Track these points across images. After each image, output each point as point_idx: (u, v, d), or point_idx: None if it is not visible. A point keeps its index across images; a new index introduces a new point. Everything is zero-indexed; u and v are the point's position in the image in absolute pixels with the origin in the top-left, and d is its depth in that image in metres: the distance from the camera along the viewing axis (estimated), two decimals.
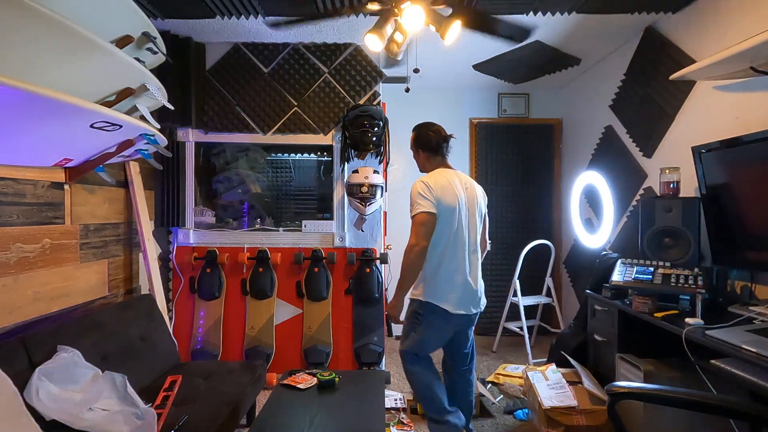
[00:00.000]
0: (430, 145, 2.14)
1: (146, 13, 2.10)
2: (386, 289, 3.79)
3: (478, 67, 3.61)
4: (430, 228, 1.90)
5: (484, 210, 2.17)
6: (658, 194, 2.51)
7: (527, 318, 3.60)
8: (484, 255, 2.22)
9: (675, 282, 2.05)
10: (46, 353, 1.69)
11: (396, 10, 1.99)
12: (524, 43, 3.07)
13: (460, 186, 2.05)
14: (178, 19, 2.71)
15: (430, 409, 2.04)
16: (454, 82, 4.08)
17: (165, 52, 2.14)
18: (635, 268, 2.24)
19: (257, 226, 3.17)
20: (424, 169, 2.20)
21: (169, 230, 3.10)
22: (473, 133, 4.30)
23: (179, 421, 1.73)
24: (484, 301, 2.11)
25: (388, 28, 2.12)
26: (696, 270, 2.03)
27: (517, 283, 3.65)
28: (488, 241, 2.23)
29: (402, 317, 2.02)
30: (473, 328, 2.19)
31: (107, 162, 2.17)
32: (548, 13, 2.59)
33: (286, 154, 3.48)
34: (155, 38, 2.01)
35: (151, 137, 2.09)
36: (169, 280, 3.10)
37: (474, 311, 2.04)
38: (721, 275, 2.13)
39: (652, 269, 2.18)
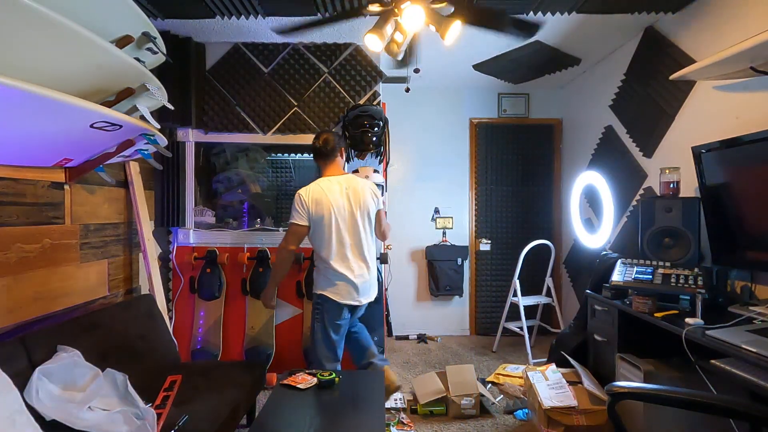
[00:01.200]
0: (315, 152, 2.40)
1: (146, 13, 2.09)
2: (386, 289, 3.79)
3: (478, 67, 3.61)
4: (297, 236, 2.29)
5: (372, 208, 2.36)
6: (658, 194, 2.51)
7: (527, 318, 3.60)
8: (384, 245, 2.55)
9: (675, 282, 2.05)
10: (46, 353, 1.69)
11: (396, 10, 1.99)
12: (524, 43, 3.07)
13: (339, 192, 2.28)
14: (178, 19, 2.71)
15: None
16: (454, 82, 4.08)
17: (165, 52, 2.14)
18: (635, 268, 2.24)
19: (257, 226, 3.17)
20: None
21: (169, 230, 3.09)
22: (473, 133, 4.30)
23: (179, 421, 1.73)
24: (373, 292, 2.39)
25: (388, 28, 2.12)
26: (696, 270, 2.03)
27: (517, 283, 3.65)
28: (387, 235, 2.51)
29: (273, 303, 2.44)
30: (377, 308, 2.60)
31: (107, 162, 2.17)
32: (548, 13, 2.59)
33: (286, 154, 3.48)
34: (155, 38, 2.01)
35: (151, 137, 2.08)
36: (169, 280, 3.09)
37: (364, 302, 2.35)
38: (721, 275, 2.13)
39: (652, 269, 2.18)
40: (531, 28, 2.62)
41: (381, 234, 2.46)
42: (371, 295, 2.38)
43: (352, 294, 2.29)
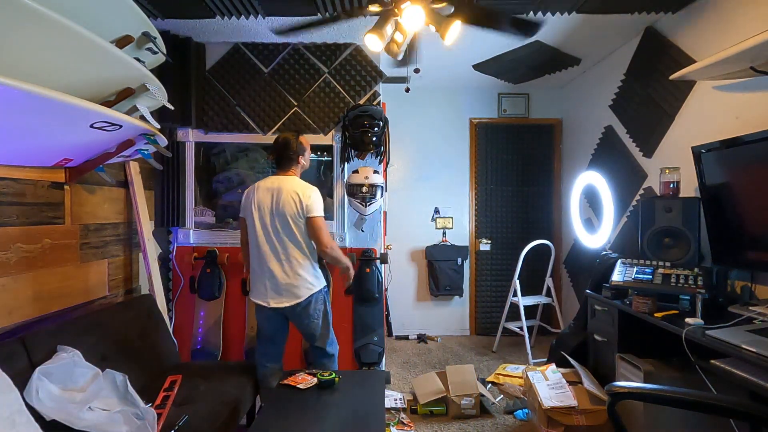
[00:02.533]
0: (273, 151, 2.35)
1: (146, 13, 2.10)
2: (386, 289, 3.79)
3: (478, 67, 3.61)
4: (241, 227, 2.35)
5: (292, 212, 2.18)
6: (658, 194, 2.51)
7: (527, 318, 3.60)
8: (324, 256, 2.31)
9: (675, 282, 2.05)
10: (46, 353, 1.69)
11: (396, 10, 1.99)
12: (524, 43, 3.07)
13: (266, 192, 2.22)
14: (178, 19, 2.71)
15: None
16: (454, 82, 4.08)
17: (165, 52, 2.14)
18: (635, 268, 2.24)
19: None
20: None
21: (169, 230, 3.09)
22: (473, 133, 4.30)
23: (179, 421, 1.74)
24: (295, 297, 2.20)
25: (388, 28, 2.12)
26: (696, 270, 2.03)
27: (517, 283, 3.66)
28: (325, 246, 2.22)
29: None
30: (309, 321, 2.27)
31: (107, 162, 2.17)
32: (548, 13, 2.59)
33: None
34: (155, 38, 2.01)
35: (151, 137, 2.09)
36: (169, 280, 3.09)
37: (273, 304, 2.22)
38: (721, 275, 2.13)
39: (652, 269, 2.18)
40: (531, 28, 2.60)
41: (316, 242, 2.22)
42: (285, 301, 2.20)
43: (262, 294, 2.23)
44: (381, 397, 1.93)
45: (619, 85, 3.16)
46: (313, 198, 2.21)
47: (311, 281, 2.24)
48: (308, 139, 3.14)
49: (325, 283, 2.35)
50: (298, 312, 2.23)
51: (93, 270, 2.35)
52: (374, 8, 2.03)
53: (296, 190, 2.20)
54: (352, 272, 2.44)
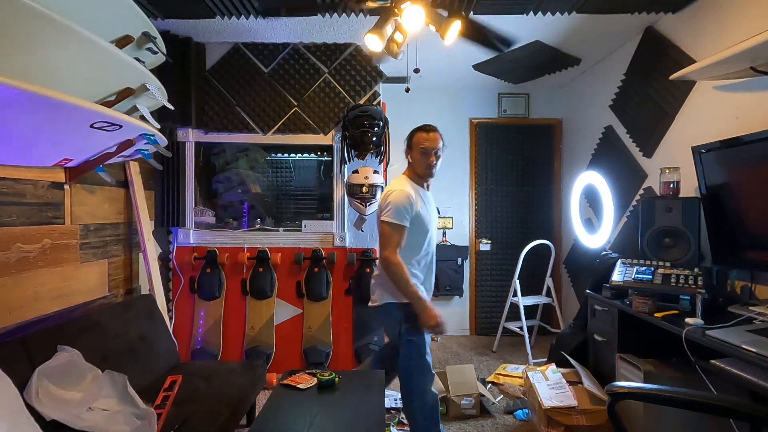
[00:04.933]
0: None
1: (146, 13, 2.10)
2: None
3: (478, 67, 3.61)
4: None
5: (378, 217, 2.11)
6: (658, 194, 2.51)
7: (527, 318, 3.60)
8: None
9: (675, 282, 2.05)
10: (46, 353, 1.69)
11: (396, 10, 1.99)
12: (524, 43, 3.07)
13: None
14: (178, 19, 2.71)
15: None
16: (454, 82, 4.08)
17: (165, 52, 2.14)
18: (635, 268, 2.24)
19: (257, 226, 3.17)
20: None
21: (169, 230, 3.09)
22: (473, 133, 4.30)
23: (179, 421, 1.73)
24: (372, 299, 2.14)
25: (388, 28, 2.12)
26: (696, 270, 2.03)
27: (517, 283, 3.65)
28: (380, 257, 2.02)
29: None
30: (387, 331, 2.21)
31: (107, 162, 2.17)
32: (548, 13, 2.59)
33: (286, 154, 3.47)
34: (155, 38, 2.01)
35: (151, 137, 2.09)
36: (169, 280, 3.09)
37: (369, 304, 2.16)
38: (721, 275, 2.13)
39: (652, 269, 2.18)
40: (507, 43, 2.75)
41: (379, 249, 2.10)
42: (370, 301, 2.13)
43: None
44: (381, 397, 1.93)
45: (619, 85, 3.16)
46: (387, 200, 1.99)
47: (383, 287, 2.01)
48: (308, 139, 3.16)
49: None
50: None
51: (93, 270, 2.35)
52: (372, 4, 2.04)
53: (384, 192, 2.10)
54: (429, 317, 1.86)
